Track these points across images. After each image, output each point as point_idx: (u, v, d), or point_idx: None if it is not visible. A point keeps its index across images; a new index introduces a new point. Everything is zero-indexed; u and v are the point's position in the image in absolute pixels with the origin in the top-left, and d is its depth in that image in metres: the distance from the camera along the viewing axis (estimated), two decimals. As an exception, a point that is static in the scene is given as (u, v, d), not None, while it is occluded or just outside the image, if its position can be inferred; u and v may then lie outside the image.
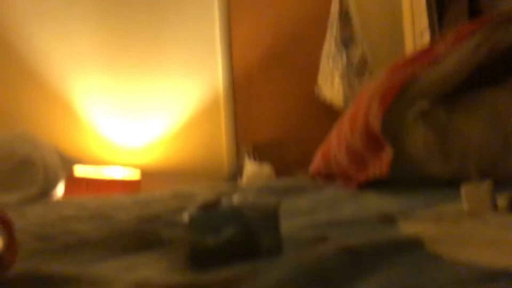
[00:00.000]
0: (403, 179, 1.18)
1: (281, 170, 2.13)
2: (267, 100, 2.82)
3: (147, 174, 2.59)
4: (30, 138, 1.66)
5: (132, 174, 2.52)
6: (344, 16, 2.55)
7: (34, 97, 2.75)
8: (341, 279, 0.50)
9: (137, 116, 2.80)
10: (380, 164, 1.14)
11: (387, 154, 1.12)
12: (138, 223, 0.97)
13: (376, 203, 1.00)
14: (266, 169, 2.18)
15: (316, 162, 1.67)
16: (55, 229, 0.94)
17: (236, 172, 2.42)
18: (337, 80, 2.51)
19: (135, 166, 2.63)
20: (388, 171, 1.11)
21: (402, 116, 1.18)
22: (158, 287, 0.45)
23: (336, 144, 1.42)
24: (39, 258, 0.68)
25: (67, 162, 1.81)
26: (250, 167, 2.25)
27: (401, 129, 1.17)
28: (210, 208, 0.68)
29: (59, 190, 1.84)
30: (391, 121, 1.17)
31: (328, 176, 1.57)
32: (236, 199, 0.69)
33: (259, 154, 2.39)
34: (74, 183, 2.19)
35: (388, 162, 1.11)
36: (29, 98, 2.74)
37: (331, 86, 2.53)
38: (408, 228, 0.75)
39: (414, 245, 0.60)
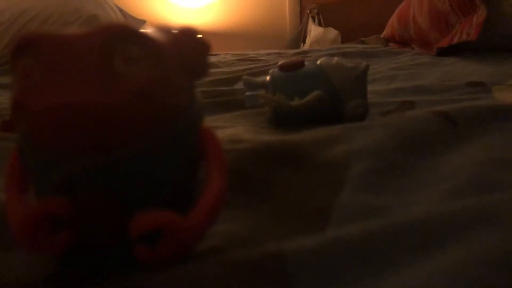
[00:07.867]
0: (491, 47, 1.08)
1: (348, 35, 2.00)
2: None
3: (205, 35, 2.55)
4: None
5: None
6: None
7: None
8: (440, 144, 0.47)
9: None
10: (469, 28, 1.03)
11: (480, 15, 1.01)
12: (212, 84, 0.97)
13: (463, 70, 0.92)
14: (332, 34, 2.05)
15: (391, 25, 1.55)
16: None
17: (299, 37, 2.31)
18: None
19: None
20: (477, 36, 1.01)
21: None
22: (254, 144, 0.45)
23: (417, 4, 1.29)
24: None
25: (133, 22, 1.79)
26: (315, 32, 2.13)
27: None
28: (293, 69, 0.65)
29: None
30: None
31: (403, 42, 1.47)
32: (320, 61, 0.64)
33: (325, 18, 2.24)
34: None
35: (480, 25, 1.00)
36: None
37: None
38: (503, 96, 0.69)
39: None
